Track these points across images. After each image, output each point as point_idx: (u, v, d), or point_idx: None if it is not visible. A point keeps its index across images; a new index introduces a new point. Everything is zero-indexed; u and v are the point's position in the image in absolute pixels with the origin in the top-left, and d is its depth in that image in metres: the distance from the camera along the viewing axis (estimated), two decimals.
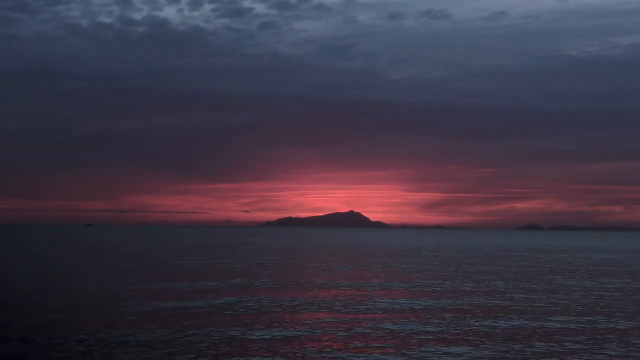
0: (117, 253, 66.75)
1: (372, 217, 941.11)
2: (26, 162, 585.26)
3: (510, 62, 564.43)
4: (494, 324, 21.40)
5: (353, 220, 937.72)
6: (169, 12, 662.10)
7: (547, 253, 77.87)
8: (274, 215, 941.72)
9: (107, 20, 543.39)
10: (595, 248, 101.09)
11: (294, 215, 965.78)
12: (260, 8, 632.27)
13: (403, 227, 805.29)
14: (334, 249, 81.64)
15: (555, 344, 18.23)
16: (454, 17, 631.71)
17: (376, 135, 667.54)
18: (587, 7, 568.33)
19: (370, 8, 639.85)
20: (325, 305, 25.46)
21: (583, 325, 21.49)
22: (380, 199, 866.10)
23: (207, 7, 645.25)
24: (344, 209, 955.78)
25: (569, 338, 19.21)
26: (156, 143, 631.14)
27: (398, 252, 76.80)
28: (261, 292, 29.53)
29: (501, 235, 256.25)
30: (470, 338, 18.84)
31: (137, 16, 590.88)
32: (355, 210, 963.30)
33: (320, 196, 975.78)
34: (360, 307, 25.32)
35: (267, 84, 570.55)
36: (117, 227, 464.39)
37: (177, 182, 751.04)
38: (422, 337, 18.94)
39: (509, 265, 51.85)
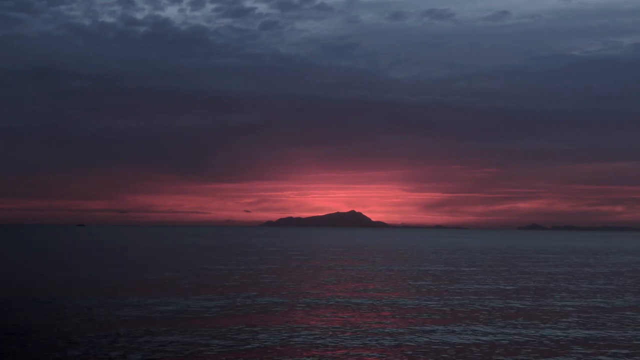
0: (85, 257, 61.61)
1: (374, 217, 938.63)
2: (27, 162, 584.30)
3: (513, 62, 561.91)
4: None
5: (354, 220, 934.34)
6: (170, 12, 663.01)
7: (565, 255, 73.96)
8: (275, 215, 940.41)
9: (109, 20, 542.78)
10: (606, 249, 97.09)
11: (295, 215, 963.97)
12: (262, 8, 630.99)
13: (404, 227, 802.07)
14: (331, 251, 77.30)
15: None
16: (456, 16, 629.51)
17: (378, 135, 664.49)
18: (589, 7, 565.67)
19: (372, 8, 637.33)
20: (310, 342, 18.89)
21: None
22: (382, 199, 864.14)
23: (209, 6, 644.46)
24: (345, 208, 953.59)
25: None
26: (158, 143, 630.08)
27: (404, 254, 72.42)
28: (232, 318, 22.17)
29: (504, 235, 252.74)
30: None
31: (139, 16, 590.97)
32: (357, 210, 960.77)
33: (321, 196, 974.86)
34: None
35: (269, 83, 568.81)
36: (112, 227, 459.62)
37: (178, 182, 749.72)
38: None
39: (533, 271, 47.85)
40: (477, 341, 18.41)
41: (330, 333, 19.44)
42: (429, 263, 54.33)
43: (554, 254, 76.72)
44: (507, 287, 33.70)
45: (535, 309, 25.29)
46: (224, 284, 33.61)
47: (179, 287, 31.72)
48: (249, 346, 17.44)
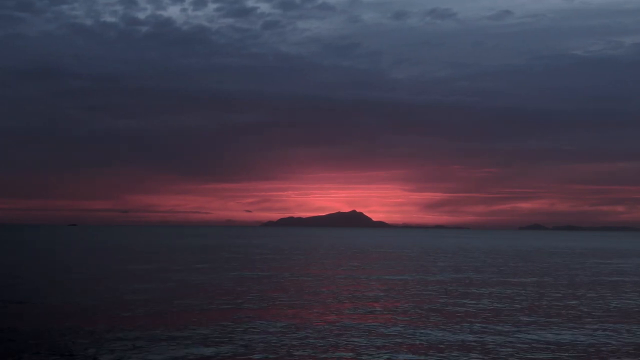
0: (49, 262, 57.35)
1: (374, 217, 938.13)
2: (28, 162, 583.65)
3: (515, 62, 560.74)
4: None
5: (355, 220, 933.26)
6: (172, 12, 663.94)
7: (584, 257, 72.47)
8: (276, 215, 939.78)
9: (111, 19, 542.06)
10: (625, 251, 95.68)
11: (296, 215, 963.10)
12: (264, 7, 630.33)
13: (405, 227, 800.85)
14: (332, 255, 73.54)
15: None
16: (458, 16, 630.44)
17: (379, 135, 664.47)
18: (592, 6, 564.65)
19: (374, 7, 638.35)
20: None
21: None
22: (383, 199, 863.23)
23: (211, 6, 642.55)
24: (346, 208, 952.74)
25: None
26: (159, 143, 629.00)
27: (414, 258, 68.29)
28: None
29: (507, 235, 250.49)
30: None
31: (141, 15, 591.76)
32: (358, 210, 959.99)
33: (322, 196, 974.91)
34: None
35: (271, 83, 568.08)
36: (106, 227, 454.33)
37: (179, 181, 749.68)
38: None
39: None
40: None
41: None
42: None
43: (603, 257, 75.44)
44: None
45: None
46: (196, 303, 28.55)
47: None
48: None
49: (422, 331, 20.18)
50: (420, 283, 36.48)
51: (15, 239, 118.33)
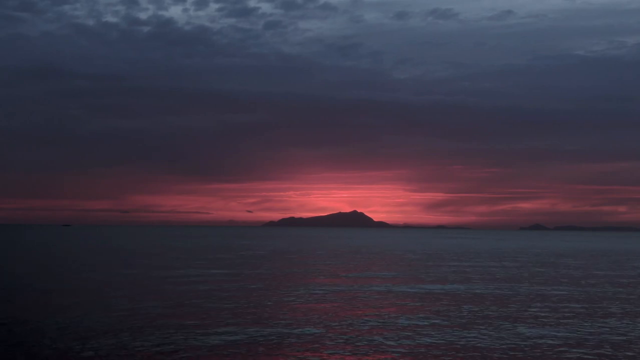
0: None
1: (375, 217, 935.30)
2: (30, 162, 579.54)
3: (517, 62, 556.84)
4: None
5: (356, 220, 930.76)
6: (174, 12, 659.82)
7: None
8: (277, 215, 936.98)
9: (112, 19, 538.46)
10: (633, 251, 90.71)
11: (297, 215, 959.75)
12: (266, 7, 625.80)
13: (406, 227, 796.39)
14: (332, 259, 67.81)
15: None
16: (460, 16, 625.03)
17: (381, 135, 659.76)
18: (594, 6, 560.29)
19: (376, 7, 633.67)
20: None
21: None
22: (384, 199, 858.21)
23: (213, 6, 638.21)
24: (347, 209, 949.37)
25: None
26: (161, 143, 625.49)
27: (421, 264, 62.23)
28: None
29: (511, 235, 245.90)
30: None
31: (143, 16, 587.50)
32: (359, 210, 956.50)
33: (323, 196, 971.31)
34: None
35: (273, 83, 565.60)
36: (103, 227, 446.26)
37: (181, 182, 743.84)
38: None
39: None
40: None
41: None
42: None
43: None
44: None
45: None
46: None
47: None
48: None
49: None
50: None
51: None
